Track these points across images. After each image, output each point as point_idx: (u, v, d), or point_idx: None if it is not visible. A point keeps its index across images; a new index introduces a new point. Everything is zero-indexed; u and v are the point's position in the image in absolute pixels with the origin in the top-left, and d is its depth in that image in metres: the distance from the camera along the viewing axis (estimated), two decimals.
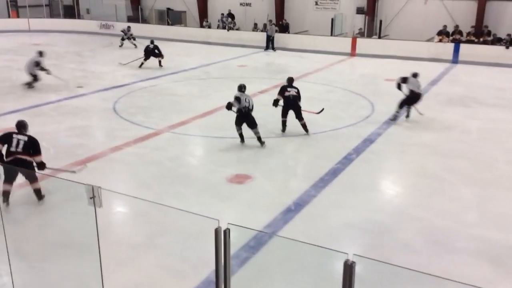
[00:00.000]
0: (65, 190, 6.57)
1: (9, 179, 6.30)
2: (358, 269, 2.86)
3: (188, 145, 9.53)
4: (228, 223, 3.22)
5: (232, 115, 9.22)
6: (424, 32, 20.64)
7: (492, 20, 20.18)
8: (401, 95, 10.73)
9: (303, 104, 9.91)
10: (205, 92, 13.64)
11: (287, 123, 9.95)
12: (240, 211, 6.61)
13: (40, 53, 13.47)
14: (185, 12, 27.38)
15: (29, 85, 13.37)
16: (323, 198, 6.97)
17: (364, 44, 20.48)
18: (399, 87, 10.73)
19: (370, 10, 22.43)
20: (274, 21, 23.41)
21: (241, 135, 9.26)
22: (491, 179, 7.69)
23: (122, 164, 8.29)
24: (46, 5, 29.66)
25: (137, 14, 27.31)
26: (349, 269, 2.73)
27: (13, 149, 6.37)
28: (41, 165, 6.55)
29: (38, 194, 6.56)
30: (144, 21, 27.54)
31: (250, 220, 6.28)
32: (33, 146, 6.48)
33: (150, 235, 5.94)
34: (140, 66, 16.93)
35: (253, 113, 9.04)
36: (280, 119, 9.97)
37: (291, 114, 9.77)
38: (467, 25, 20.11)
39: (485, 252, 5.62)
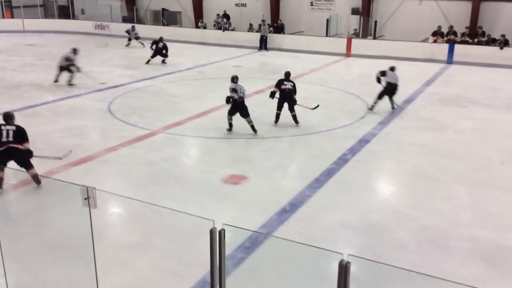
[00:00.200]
0: (60, 191, 6.55)
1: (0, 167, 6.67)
2: (353, 269, 2.87)
3: (183, 146, 9.52)
4: (223, 224, 3.22)
5: (225, 115, 9.52)
6: (419, 33, 20.70)
7: (486, 20, 20.27)
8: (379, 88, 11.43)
9: (300, 102, 10.33)
10: (200, 92, 13.63)
11: (281, 117, 10.43)
12: (236, 212, 6.61)
13: (74, 51, 13.88)
14: (180, 12, 27.35)
15: (68, 82, 13.85)
16: (318, 198, 6.98)
17: (359, 44, 20.53)
18: (378, 80, 11.60)
19: (365, 11, 22.48)
20: (269, 22, 23.47)
21: (230, 125, 9.78)
22: (485, 179, 7.72)
23: (117, 164, 8.27)
24: (40, 6, 29.54)
25: (132, 14, 27.25)
26: (344, 269, 2.73)
27: (4, 139, 6.74)
28: (29, 152, 7.01)
29: (36, 179, 6.96)
30: (139, 21, 27.47)
31: (245, 220, 6.28)
32: (21, 134, 6.95)
33: (145, 235, 5.93)
34: (147, 62, 17.61)
35: (255, 114, 9.09)
36: (274, 111, 10.43)
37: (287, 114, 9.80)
38: (461, 25, 20.18)
39: (479, 252, 5.64)
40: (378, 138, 9.73)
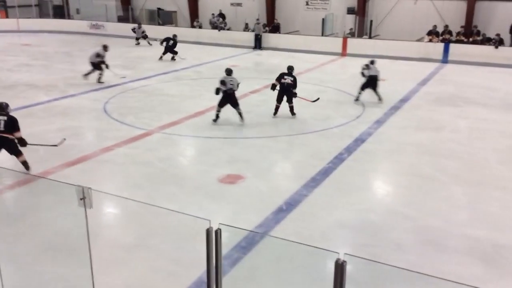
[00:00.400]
0: (55, 191, 6.51)
1: None
2: (349, 269, 2.86)
3: (179, 146, 9.50)
4: (219, 224, 3.21)
5: (222, 115, 9.43)
6: (414, 32, 20.76)
7: (481, 20, 20.35)
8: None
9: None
10: (196, 92, 13.61)
11: (279, 112, 10.89)
12: (232, 211, 6.60)
13: (105, 47, 14.22)
14: (175, 12, 27.30)
15: (98, 80, 14.12)
16: (314, 198, 6.97)
17: (355, 44, 20.55)
18: (363, 74, 12.39)
19: (360, 10, 22.51)
20: (265, 21, 23.48)
21: (217, 116, 10.32)
22: (481, 179, 7.74)
23: (113, 164, 8.24)
24: (35, 5, 29.42)
25: (127, 14, 27.20)
26: (340, 268, 2.73)
27: None
28: (22, 141, 7.40)
29: (25, 165, 7.44)
30: (135, 21, 27.40)
31: (241, 220, 6.27)
32: (13, 124, 7.30)
33: (141, 236, 5.91)
34: (160, 58, 18.35)
35: (245, 113, 9.07)
36: (270, 110, 10.89)
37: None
38: (456, 25, 20.25)
39: (476, 251, 5.65)
40: (374, 137, 9.74)
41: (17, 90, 13.31)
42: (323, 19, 22.34)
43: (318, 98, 11.56)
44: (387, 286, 4.81)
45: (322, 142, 9.47)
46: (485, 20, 20.35)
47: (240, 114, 10.25)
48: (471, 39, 19.51)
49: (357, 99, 12.35)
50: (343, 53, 20.56)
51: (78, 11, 29.41)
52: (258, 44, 22.05)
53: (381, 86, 14.19)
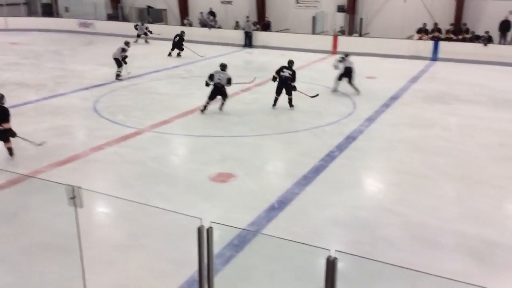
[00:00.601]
0: (45, 191, 6.46)
1: None
2: (341, 266, 2.88)
3: (170, 144, 9.47)
4: (211, 222, 3.21)
5: (213, 113, 9.26)
6: (404, 30, 20.86)
7: (470, 17, 20.49)
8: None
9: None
10: (187, 90, 13.57)
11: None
12: (224, 210, 6.60)
13: (127, 43, 14.80)
14: (165, 10, 27.19)
15: (117, 76, 14.56)
16: (306, 195, 6.99)
17: (345, 42, 20.60)
18: (336, 67, 13.18)
19: (350, 8, 22.57)
20: (255, 19, 23.48)
21: (205, 107, 10.93)
22: (471, 175, 7.80)
23: (104, 164, 8.19)
24: (24, 4, 29.18)
25: (116, 12, 27.05)
26: (331, 265, 2.74)
27: None
28: (10, 131, 7.90)
29: (10, 151, 8.04)
30: (124, 19, 27.28)
31: (234, 218, 6.27)
32: (4, 115, 7.76)
33: (133, 235, 5.88)
34: (169, 55, 18.93)
35: (236, 111, 9.06)
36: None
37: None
38: (446, 22, 20.38)
39: (466, 247, 5.70)
40: (365, 135, 9.78)
41: (7, 89, 13.15)
42: (313, 17, 22.37)
43: (317, 94, 11.98)
44: (378, 282, 4.83)
45: (313, 140, 9.49)
46: (474, 17, 20.50)
47: (222, 104, 11.06)
48: (460, 37, 19.63)
49: (334, 90, 13.11)
50: (334, 51, 20.59)
51: (67, 9, 29.20)
52: (248, 42, 22.06)
53: (371, 84, 14.33)
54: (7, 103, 8.12)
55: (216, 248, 5.21)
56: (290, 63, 11.56)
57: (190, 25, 24.51)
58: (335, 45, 20.65)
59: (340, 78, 13.13)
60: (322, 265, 2.86)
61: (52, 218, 6.00)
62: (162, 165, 8.16)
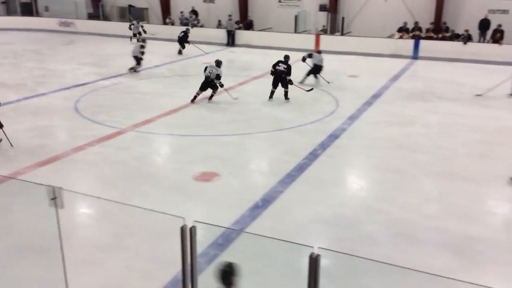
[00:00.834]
0: (26, 192, 6.38)
1: None
2: (325, 262, 2.90)
3: (153, 144, 9.42)
4: (194, 221, 3.20)
5: (196, 112, 9.33)
6: (385, 29, 21.05)
7: (450, 16, 20.78)
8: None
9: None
10: (169, 89, 13.51)
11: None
12: (208, 209, 6.59)
13: (143, 41, 15.78)
14: (147, 9, 26.99)
15: (134, 69, 15.26)
16: (290, 193, 7.02)
17: (327, 40, 20.70)
18: (304, 60, 13.87)
19: (332, 7, 22.70)
20: (237, 18, 23.45)
21: (195, 97, 11.74)
22: (451, 172, 7.91)
23: (85, 164, 8.10)
24: (2, 2, 28.67)
25: (97, 11, 26.75)
26: (314, 262, 2.76)
27: None
28: None
29: None
30: (105, 18, 26.99)
31: (218, 217, 6.27)
32: None
33: (115, 235, 5.84)
34: (179, 52, 19.42)
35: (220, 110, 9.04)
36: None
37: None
38: (426, 21, 20.62)
39: (447, 242, 5.79)
40: (348, 133, 9.85)
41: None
42: (295, 16, 22.43)
43: (312, 89, 12.82)
44: (361, 278, 4.88)
45: (297, 138, 9.52)
46: (453, 16, 20.79)
47: (211, 96, 11.88)
48: (440, 35, 19.89)
49: (301, 82, 13.73)
50: (316, 50, 20.67)
51: (47, 9, 28.77)
52: (231, 41, 22.03)
53: (353, 82, 14.45)
54: None
55: (201, 247, 5.21)
56: (286, 57, 12.22)
57: (172, 24, 24.39)
58: (317, 44, 20.72)
59: (308, 74, 13.98)
60: (305, 262, 2.88)
61: (33, 220, 5.93)
62: (145, 165, 8.11)
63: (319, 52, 14.55)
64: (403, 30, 20.24)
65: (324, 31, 22.05)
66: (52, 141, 9.16)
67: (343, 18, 22.34)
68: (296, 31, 22.25)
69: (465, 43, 18.80)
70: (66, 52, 19.61)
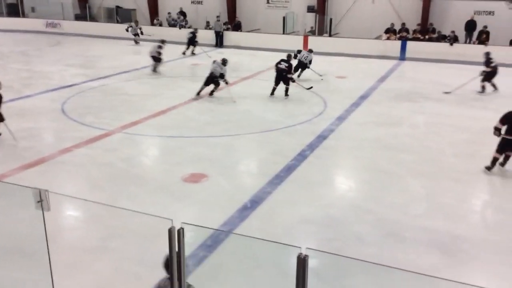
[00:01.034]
0: (12, 194, 6.31)
1: None
2: (313, 263, 2.90)
3: (141, 145, 9.37)
4: (182, 222, 3.19)
5: (185, 113, 9.28)
6: (372, 30, 21.21)
7: (436, 18, 20.99)
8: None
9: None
10: (157, 91, 13.45)
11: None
12: (197, 210, 6.57)
13: (162, 41, 15.82)
14: (135, 10, 26.87)
15: (154, 69, 15.60)
16: (278, 194, 7.03)
17: (315, 42, 20.76)
18: (295, 56, 14.38)
19: (320, 9, 22.80)
20: (226, 19, 23.44)
21: (201, 90, 12.35)
22: (438, 171, 7.99)
23: (72, 166, 8.04)
24: None
25: (84, 12, 26.56)
26: (302, 262, 2.76)
27: None
28: (0, 116, 8.78)
29: None
30: (92, 19, 26.83)
31: (206, 219, 6.26)
32: None
33: (103, 238, 5.80)
34: (192, 53, 19.69)
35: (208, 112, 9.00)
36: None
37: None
38: (413, 23, 20.80)
39: (433, 241, 5.84)
40: (336, 133, 9.89)
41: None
42: (284, 17, 22.49)
43: (312, 87, 13.36)
44: (349, 278, 4.91)
45: (285, 139, 9.54)
46: (440, 18, 21.00)
47: (213, 91, 12.45)
48: (427, 37, 20.08)
49: (298, 76, 14.63)
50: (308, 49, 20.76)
51: (33, 10, 28.51)
52: (219, 42, 22.00)
53: (341, 83, 14.55)
54: None
55: (189, 249, 5.19)
56: (289, 56, 12.89)
57: (160, 25, 24.31)
58: (305, 45, 20.79)
59: (295, 69, 14.31)
60: (293, 262, 2.88)
61: (19, 222, 5.86)
62: (133, 167, 8.07)
63: (310, 51, 15.23)
64: (390, 31, 20.40)
65: (312, 32, 22.14)
66: (39, 143, 9.08)
67: (331, 19, 22.45)
68: (284, 32, 22.31)
69: (451, 44, 18.99)
70: (53, 54, 19.45)
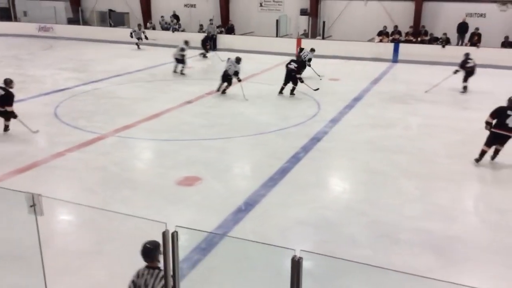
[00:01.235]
0: (4, 199, 6.26)
1: None
2: (307, 265, 2.90)
3: (134, 149, 9.33)
4: (176, 226, 3.18)
5: (178, 117, 9.34)
6: (365, 33, 21.27)
7: (428, 20, 21.11)
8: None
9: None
10: (151, 94, 13.42)
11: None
12: (191, 214, 6.55)
13: (186, 42, 16.01)
14: (128, 13, 26.81)
15: (181, 72, 15.97)
16: (272, 197, 7.03)
17: (308, 44, 20.73)
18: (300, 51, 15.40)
19: (313, 12, 22.86)
20: (219, 23, 23.45)
21: (219, 87, 13.10)
22: (431, 173, 8.02)
23: (65, 170, 7.99)
24: None
25: (77, 16, 26.47)
26: (296, 264, 2.76)
27: None
28: (12, 114, 9.25)
29: (6, 128, 9.46)
30: (85, 23, 26.74)
31: (201, 222, 6.24)
32: (7, 99, 9.15)
33: (96, 242, 5.77)
34: (205, 56, 20.04)
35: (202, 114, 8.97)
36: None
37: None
38: (405, 25, 20.91)
39: (427, 242, 5.85)
40: (330, 136, 9.91)
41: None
42: (277, 21, 22.53)
43: (318, 89, 13.44)
44: (343, 279, 4.90)
45: (279, 141, 9.55)
46: (432, 20, 21.12)
47: (225, 89, 13.00)
48: (419, 39, 20.19)
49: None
50: (297, 54, 20.78)
51: (25, 14, 28.37)
52: (212, 45, 21.97)
53: (335, 85, 14.59)
54: None
55: (184, 252, 5.18)
56: (299, 57, 13.96)
57: (153, 28, 24.28)
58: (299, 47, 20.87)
59: None
60: (287, 265, 2.88)
61: (12, 227, 5.82)
62: (126, 170, 8.04)
63: (312, 50, 15.89)
64: (383, 34, 20.49)
65: (305, 35, 22.19)
66: (31, 147, 9.02)
67: (324, 22, 22.51)
68: (277, 35, 22.35)
69: (443, 46, 19.10)
70: (46, 57, 19.37)
